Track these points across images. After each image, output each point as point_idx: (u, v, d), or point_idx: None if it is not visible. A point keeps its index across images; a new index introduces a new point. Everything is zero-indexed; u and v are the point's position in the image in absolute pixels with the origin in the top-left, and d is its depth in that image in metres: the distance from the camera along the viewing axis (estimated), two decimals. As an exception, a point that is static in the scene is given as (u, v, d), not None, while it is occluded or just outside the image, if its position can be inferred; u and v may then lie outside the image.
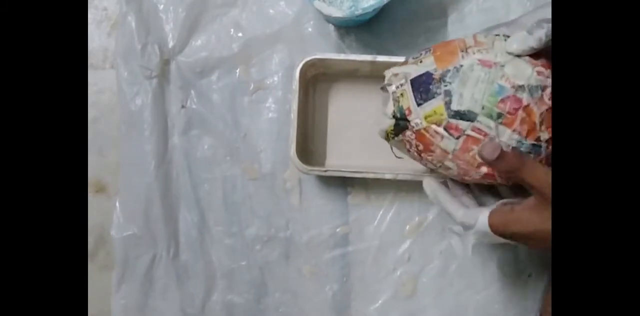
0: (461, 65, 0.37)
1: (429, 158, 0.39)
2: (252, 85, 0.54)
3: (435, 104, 0.38)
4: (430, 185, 0.42)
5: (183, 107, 0.54)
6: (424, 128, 0.38)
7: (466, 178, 0.40)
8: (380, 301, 0.52)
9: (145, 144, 0.53)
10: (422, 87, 0.38)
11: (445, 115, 0.37)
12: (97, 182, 0.55)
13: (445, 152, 0.38)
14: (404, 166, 0.49)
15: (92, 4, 0.56)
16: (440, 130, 0.38)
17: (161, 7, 0.54)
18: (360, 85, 0.53)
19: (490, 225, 0.37)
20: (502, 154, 0.36)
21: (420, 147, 0.39)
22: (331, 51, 0.53)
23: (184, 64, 0.54)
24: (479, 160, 0.37)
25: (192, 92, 0.55)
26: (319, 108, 0.54)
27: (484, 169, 0.38)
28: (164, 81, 0.54)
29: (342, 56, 0.50)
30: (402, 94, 0.39)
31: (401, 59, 0.49)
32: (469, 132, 0.37)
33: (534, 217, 0.36)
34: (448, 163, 0.39)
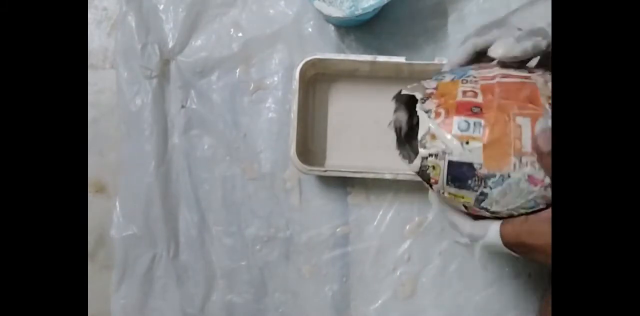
0: (509, 176, 0.34)
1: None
2: (252, 85, 0.54)
3: (466, 194, 0.35)
4: (438, 201, 0.40)
5: (183, 107, 0.55)
6: (446, 196, 0.37)
7: None
8: (379, 301, 0.52)
9: (145, 144, 0.53)
10: (460, 175, 0.35)
11: (472, 203, 0.35)
12: (97, 182, 0.55)
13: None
14: (404, 166, 0.49)
15: (92, 4, 0.56)
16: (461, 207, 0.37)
17: (161, 7, 0.54)
18: (360, 85, 0.53)
19: (502, 235, 0.35)
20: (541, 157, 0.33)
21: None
22: (331, 51, 0.53)
23: (184, 63, 0.54)
24: None
25: (192, 92, 0.55)
26: (319, 108, 0.54)
27: None
28: (164, 81, 0.54)
29: (342, 56, 0.50)
30: (434, 167, 0.36)
31: (401, 59, 0.49)
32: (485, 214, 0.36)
33: (548, 227, 0.33)
34: None
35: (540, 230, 0.34)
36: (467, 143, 0.34)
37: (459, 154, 0.34)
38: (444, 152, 0.35)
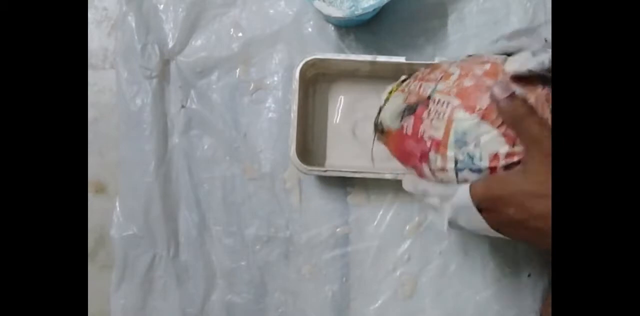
0: None
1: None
2: (252, 85, 0.54)
3: None
4: (409, 180, 0.41)
5: (183, 107, 0.54)
6: None
7: None
8: (379, 302, 0.52)
9: (145, 144, 0.53)
10: None
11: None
12: (97, 182, 0.55)
13: None
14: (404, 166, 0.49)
15: (92, 4, 0.56)
16: None
17: (161, 7, 0.54)
18: (360, 85, 0.53)
19: (472, 192, 0.36)
20: (513, 97, 0.34)
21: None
22: (331, 51, 0.53)
23: (184, 63, 0.54)
24: None
25: (192, 92, 0.55)
26: (319, 108, 0.54)
27: None
28: (164, 81, 0.54)
29: (342, 56, 0.50)
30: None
31: (401, 59, 0.49)
32: None
33: (518, 177, 0.34)
34: None
35: (510, 179, 0.35)
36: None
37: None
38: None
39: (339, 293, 0.53)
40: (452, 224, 0.39)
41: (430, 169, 0.38)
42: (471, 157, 0.36)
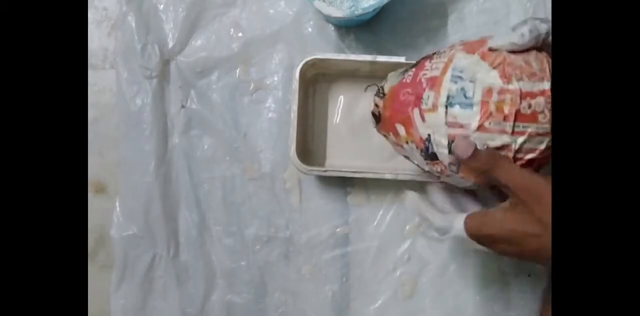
0: None
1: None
2: (252, 85, 0.54)
3: None
4: (412, 199, 0.42)
5: (183, 107, 0.54)
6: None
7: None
8: (379, 302, 0.52)
9: (145, 144, 0.53)
10: None
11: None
12: (97, 182, 0.55)
13: None
14: (404, 166, 0.49)
15: (92, 4, 0.56)
16: None
17: (161, 7, 0.54)
18: (360, 85, 0.53)
19: (466, 228, 0.37)
20: (476, 153, 0.36)
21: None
22: (331, 51, 0.53)
23: (184, 63, 0.54)
24: None
25: (192, 92, 0.55)
26: (319, 108, 0.54)
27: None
28: (164, 81, 0.54)
29: (342, 56, 0.50)
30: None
31: (401, 59, 0.49)
32: None
33: (508, 217, 0.35)
34: None
35: (499, 218, 0.36)
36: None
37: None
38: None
39: (339, 293, 0.53)
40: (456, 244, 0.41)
41: (421, 113, 0.38)
42: (464, 91, 0.36)
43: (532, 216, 0.34)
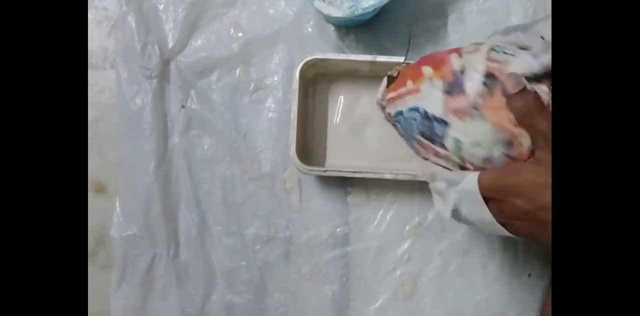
0: None
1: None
2: (252, 85, 0.54)
3: None
4: (418, 163, 0.41)
5: (183, 107, 0.55)
6: None
7: None
8: (379, 302, 0.52)
9: (145, 144, 0.53)
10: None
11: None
12: (97, 182, 0.55)
13: None
14: (404, 166, 0.49)
15: (92, 4, 0.56)
16: None
17: (161, 7, 0.54)
18: (360, 85, 0.53)
19: (479, 179, 0.35)
20: (524, 92, 0.34)
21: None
22: (331, 51, 0.53)
23: (184, 64, 0.54)
24: None
25: (192, 92, 0.55)
26: (319, 108, 0.54)
27: None
28: (164, 81, 0.54)
29: (342, 56, 0.50)
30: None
31: (401, 59, 0.49)
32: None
33: (530, 168, 0.34)
34: None
35: (518, 170, 0.34)
36: None
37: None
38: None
39: (339, 293, 0.53)
40: (455, 214, 0.38)
41: (459, 53, 0.39)
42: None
43: (551, 169, 0.32)
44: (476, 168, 0.37)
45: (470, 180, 0.36)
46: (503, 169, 0.35)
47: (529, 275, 0.52)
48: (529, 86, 0.35)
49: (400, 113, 0.41)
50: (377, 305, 0.52)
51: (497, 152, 0.36)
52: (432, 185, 0.40)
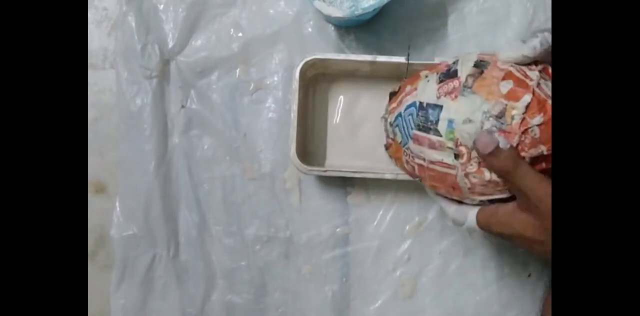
0: None
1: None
2: (252, 85, 0.54)
3: None
4: (430, 190, 0.43)
5: (183, 107, 0.54)
6: None
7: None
8: (379, 302, 0.52)
9: (145, 144, 0.53)
10: None
11: None
12: (97, 182, 0.55)
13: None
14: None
15: (92, 4, 0.56)
16: None
17: (161, 7, 0.54)
18: (360, 85, 0.53)
19: (478, 223, 0.39)
20: (497, 151, 0.35)
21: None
22: (331, 51, 0.53)
23: (184, 64, 0.54)
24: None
25: (192, 92, 0.55)
26: (319, 108, 0.54)
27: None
28: (164, 81, 0.54)
29: (342, 56, 0.50)
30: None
31: (401, 59, 0.49)
32: None
33: (516, 220, 0.36)
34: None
35: (506, 221, 0.37)
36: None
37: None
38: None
39: (339, 293, 0.53)
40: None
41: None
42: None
43: (539, 225, 0.35)
44: (470, 151, 0.37)
45: (471, 222, 0.39)
46: (494, 217, 0.38)
47: (529, 275, 0.52)
48: (501, 144, 0.36)
49: (399, 115, 0.42)
50: (377, 305, 0.52)
51: (488, 126, 0.36)
52: (446, 222, 0.45)
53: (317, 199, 0.53)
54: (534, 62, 0.38)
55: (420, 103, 0.40)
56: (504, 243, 0.52)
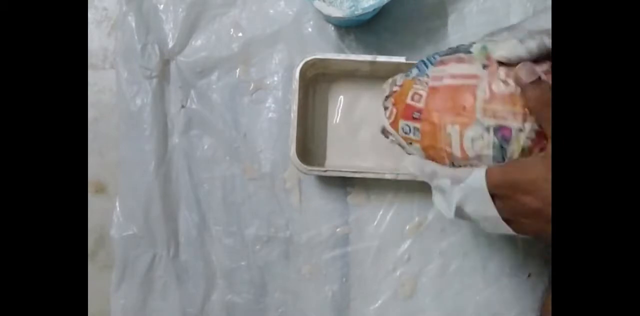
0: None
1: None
2: (252, 85, 0.54)
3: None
4: (413, 161, 0.39)
5: (183, 107, 0.55)
6: None
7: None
8: (379, 302, 0.52)
9: (145, 144, 0.53)
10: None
11: None
12: (97, 182, 0.55)
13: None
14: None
15: (92, 4, 0.56)
16: None
17: (161, 7, 0.54)
18: (360, 85, 0.53)
19: (488, 175, 0.34)
20: (539, 82, 0.33)
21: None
22: (331, 51, 0.53)
23: (184, 64, 0.54)
24: None
25: (192, 92, 0.55)
26: (319, 108, 0.54)
27: None
28: (164, 81, 0.54)
29: (342, 56, 0.50)
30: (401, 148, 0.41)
31: (401, 59, 0.49)
32: None
33: (541, 163, 0.33)
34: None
35: (528, 165, 0.33)
36: (411, 144, 0.38)
37: (408, 151, 0.39)
38: (400, 144, 0.40)
39: (339, 293, 0.53)
40: (458, 212, 0.37)
41: None
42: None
43: None
44: (498, 64, 0.36)
45: (477, 176, 0.34)
46: (512, 165, 0.34)
47: (529, 275, 0.52)
48: (543, 76, 0.34)
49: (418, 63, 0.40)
50: (377, 305, 0.52)
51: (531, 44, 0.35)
52: (433, 183, 0.39)
53: (317, 199, 0.53)
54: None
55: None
56: (504, 242, 0.52)
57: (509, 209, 0.34)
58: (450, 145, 0.36)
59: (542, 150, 0.34)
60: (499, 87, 0.35)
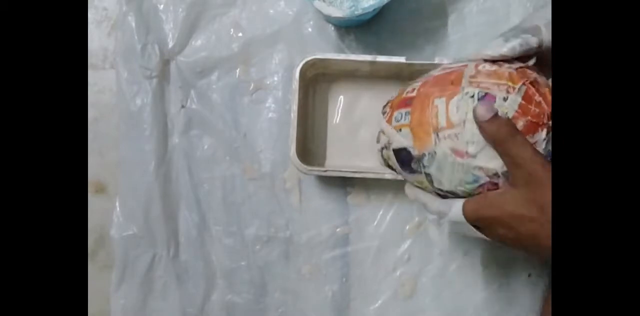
0: (435, 152, 0.37)
1: None
2: (252, 85, 0.54)
3: (419, 178, 0.39)
4: (410, 188, 0.42)
5: (183, 107, 0.55)
6: (413, 182, 0.41)
7: None
8: (379, 302, 0.52)
9: (145, 144, 0.53)
10: (404, 160, 0.39)
11: (430, 187, 0.39)
12: (97, 182, 0.55)
13: None
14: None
15: (92, 4, 0.56)
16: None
17: (161, 7, 0.54)
18: (360, 85, 0.53)
19: (463, 211, 0.37)
20: (496, 118, 0.35)
21: None
22: (331, 51, 0.53)
23: (184, 64, 0.54)
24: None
25: (192, 92, 0.55)
26: (319, 108, 0.54)
27: None
28: (164, 81, 0.54)
29: (342, 56, 0.50)
30: (388, 157, 0.41)
31: (401, 59, 0.49)
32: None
33: (506, 199, 0.35)
34: None
35: (498, 201, 0.36)
36: (400, 130, 0.39)
37: (396, 141, 0.39)
38: (389, 142, 0.40)
39: (339, 293, 0.53)
40: (454, 233, 0.40)
41: None
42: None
43: (532, 198, 0.34)
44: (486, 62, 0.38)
45: (456, 212, 0.37)
46: (482, 200, 0.37)
47: (529, 275, 0.52)
48: (500, 112, 0.35)
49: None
50: (377, 305, 0.52)
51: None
52: (427, 218, 0.41)
53: (317, 199, 0.53)
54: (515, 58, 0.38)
55: None
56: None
57: (493, 236, 0.37)
58: (436, 116, 0.37)
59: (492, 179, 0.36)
60: (484, 67, 0.37)
